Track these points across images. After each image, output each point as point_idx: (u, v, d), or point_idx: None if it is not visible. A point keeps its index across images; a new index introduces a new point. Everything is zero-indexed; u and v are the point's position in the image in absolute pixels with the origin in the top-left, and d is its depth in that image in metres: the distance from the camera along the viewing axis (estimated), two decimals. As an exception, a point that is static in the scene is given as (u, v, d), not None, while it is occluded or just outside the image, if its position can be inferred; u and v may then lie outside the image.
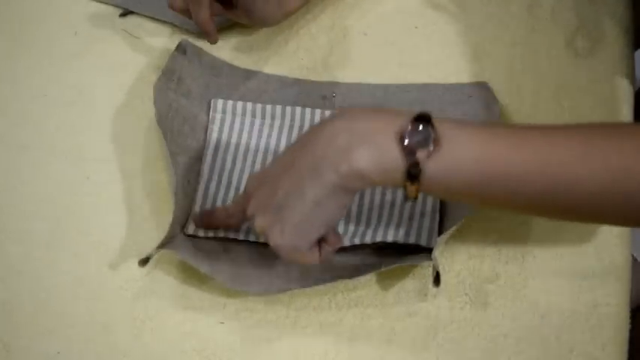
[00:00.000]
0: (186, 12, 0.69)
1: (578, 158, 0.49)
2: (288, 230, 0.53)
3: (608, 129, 0.52)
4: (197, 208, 0.65)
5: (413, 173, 0.49)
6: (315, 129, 0.53)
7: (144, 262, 0.60)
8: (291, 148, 0.55)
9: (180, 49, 0.70)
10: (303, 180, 0.52)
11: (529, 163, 0.50)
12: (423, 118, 0.49)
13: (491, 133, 0.51)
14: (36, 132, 0.70)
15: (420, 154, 0.49)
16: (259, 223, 0.54)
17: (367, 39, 0.74)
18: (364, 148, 0.50)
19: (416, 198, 0.51)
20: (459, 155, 0.50)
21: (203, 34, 0.69)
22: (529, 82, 0.71)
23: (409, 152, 0.49)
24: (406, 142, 0.49)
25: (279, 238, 0.53)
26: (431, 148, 0.49)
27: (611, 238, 0.63)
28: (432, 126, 0.49)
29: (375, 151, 0.50)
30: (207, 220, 0.64)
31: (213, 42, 0.70)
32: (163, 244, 0.60)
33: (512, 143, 0.50)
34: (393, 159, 0.49)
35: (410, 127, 0.49)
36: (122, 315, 0.62)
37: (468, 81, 0.70)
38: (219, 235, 0.63)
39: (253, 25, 0.73)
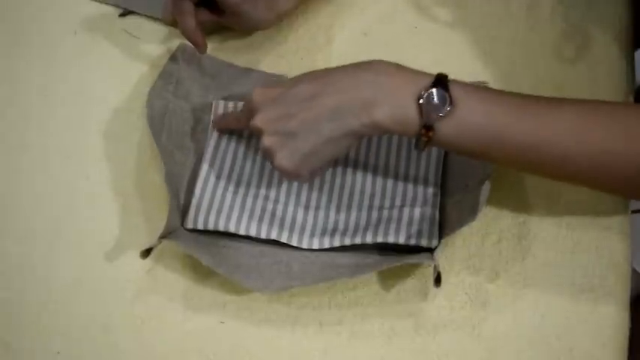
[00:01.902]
0: (177, 23, 0.68)
1: (569, 138, 0.54)
2: (297, 158, 0.58)
3: (604, 110, 0.56)
4: (195, 203, 0.65)
5: (425, 130, 0.55)
6: (342, 73, 0.57)
7: (146, 253, 0.60)
8: (311, 79, 0.58)
9: (177, 55, 0.70)
10: (323, 118, 0.56)
11: (527, 136, 0.55)
12: (441, 81, 0.55)
13: (498, 103, 0.56)
14: (36, 132, 0.70)
15: (434, 115, 0.54)
16: (267, 141, 0.58)
17: (367, 39, 0.74)
18: (386, 104, 0.55)
19: (424, 150, 0.57)
20: (467, 120, 0.55)
21: (191, 44, 0.69)
22: (528, 81, 0.71)
23: (424, 112, 0.54)
24: (422, 102, 0.54)
25: (285, 162, 0.58)
26: (444, 110, 0.54)
27: (611, 238, 0.64)
28: (448, 89, 0.55)
29: (395, 107, 0.55)
30: (220, 120, 0.68)
31: (202, 52, 0.69)
32: (165, 235, 0.60)
33: (515, 116, 0.55)
34: (410, 116, 0.55)
35: (428, 89, 0.54)
36: (122, 315, 0.62)
37: (468, 80, 0.69)
38: (219, 230, 0.63)
39: (246, 29, 0.73)
